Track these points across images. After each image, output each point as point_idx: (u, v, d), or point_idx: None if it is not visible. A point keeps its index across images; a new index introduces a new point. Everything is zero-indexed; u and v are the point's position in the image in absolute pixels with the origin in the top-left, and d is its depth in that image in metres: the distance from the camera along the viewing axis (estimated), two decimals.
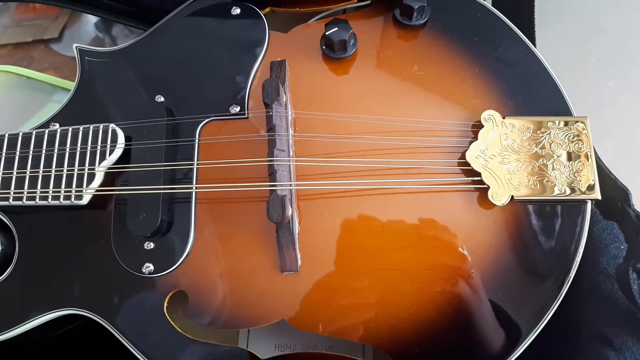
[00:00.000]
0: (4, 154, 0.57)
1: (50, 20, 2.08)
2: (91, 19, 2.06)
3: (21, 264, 0.56)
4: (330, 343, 0.60)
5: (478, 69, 0.56)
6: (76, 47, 0.62)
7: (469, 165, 0.52)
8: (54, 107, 1.03)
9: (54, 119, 0.60)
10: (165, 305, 0.53)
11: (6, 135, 0.58)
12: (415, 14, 0.56)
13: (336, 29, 0.55)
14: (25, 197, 0.55)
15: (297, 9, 0.61)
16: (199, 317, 0.52)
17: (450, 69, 0.56)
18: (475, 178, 0.52)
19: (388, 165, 0.53)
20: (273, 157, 0.51)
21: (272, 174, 0.51)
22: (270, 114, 0.52)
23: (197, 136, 0.56)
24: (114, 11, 0.75)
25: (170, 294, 0.53)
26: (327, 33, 0.55)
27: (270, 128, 0.52)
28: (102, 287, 0.54)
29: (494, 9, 0.58)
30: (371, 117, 0.55)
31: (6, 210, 0.58)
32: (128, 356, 0.54)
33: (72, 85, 1.07)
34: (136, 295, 0.54)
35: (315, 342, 0.60)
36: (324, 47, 0.57)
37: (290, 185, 0.52)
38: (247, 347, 0.60)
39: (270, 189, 0.52)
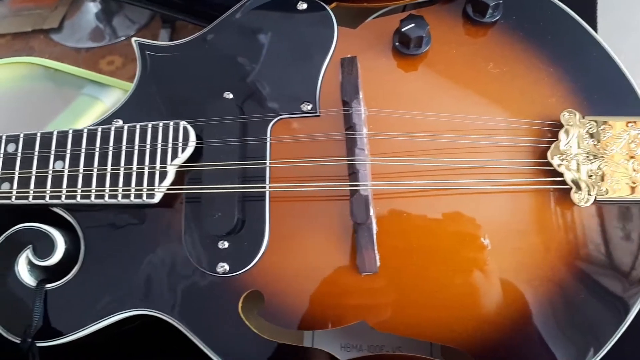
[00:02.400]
0: (68, 151, 0.55)
1: (50, 10, 2.05)
2: (92, 9, 2.03)
3: (88, 263, 0.55)
4: (397, 343, 0.59)
5: (553, 67, 0.56)
6: (135, 40, 0.61)
7: (550, 165, 0.52)
8: (85, 100, 1.01)
9: (116, 114, 0.59)
10: (240, 305, 0.52)
11: (70, 131, 0.56)
12: (490, 10, 0.56)
13: (413, 25, 0.54)
14: (93, 195, 0.54)
15: (365, 4, 0.60)
16: (275, 318, 0.52)
17: (525, 67, 0.56)
18: (557, 178, 0.52)
19: (466, 165, 0.53)
20: (354, 156, 0.51)
21: (353, 174, 0.50)
22: (350, 112, 0.51)
23: (268, 134, 0.55)
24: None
25: (245, 293, 0.52)
26: (403, 29, 0.54)
27: (350, 127, 0.51)
28: (174, 287, 0.53)
29: (566, 7, 0.58)
30: (447, 115, 0.54)
31: (70, 208, 0.57)
32: (197, 356, 0.53)
33: (102, 77, 1.06)
34: (210, 296, 0.53)
35: (382, 342, 0.60)
36: (397, 44, 0.56)
37: (370, 185, 0.51)
38: (312, 346, 0.60)
39: (350, 189, 0.51)
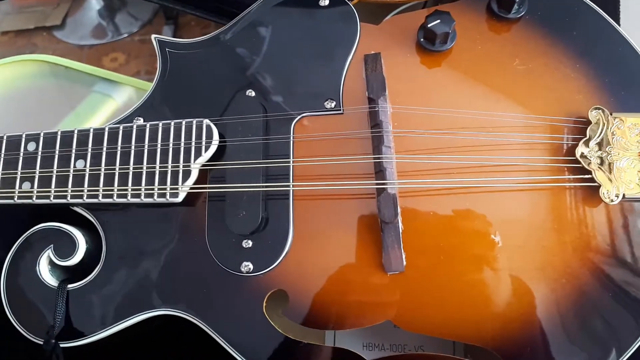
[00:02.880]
0: (90, 150, 0.55)
1: (52, 7, 2.04)
2: (94, 6, 2.02)
3: (109, 263, 0.55)
4: (419, 342, 0.59)
5: (579, 63, 0.55)
6: (155, 37, 0.60)
7: (578, 162, 0.51)
8: (97, 98, 1.01)
9: (137, 113, 0.58)
10: (264, 304, 0.52)
11: (91, 130, 0.56)
12: (516, 6, 0.55)
13: (439, 21, 0.53)
14: (115, 194, 0.53)
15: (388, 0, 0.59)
16: (300, 317, 0.51)
17: (550, 64, 0.55)
18: (585, 176, 0.51)
19: (492, 162, 0.52)
20: (381, 154, 0.50)
21: (380, 172, 0.50)
22: (376, 109, 0.51)
23: (291, 132, 0.55)
24: None
25: (269, 293, 0.52)
26: (429, 25, 0.53)
27: (377, 124, 0.51)
28: (197, 287, 0.53)
29: (591, 2, 0.57)
30: (472, 112, 0.53)
31: (91, 207, 0.56)
32: (221, 356, 0.53)
33: (113, 75, 1.05)
34: (234, 295, 0.52)
35: (404, 340, 0.60)
36: (422, 40, 0.55)
37: (397, 183, 0.50)
38: (334, 345, 0.59)
39: (376, 187, 0.51)
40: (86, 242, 0.56)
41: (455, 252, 0.51)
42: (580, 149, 0.51)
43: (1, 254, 0.60)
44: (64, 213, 0.58)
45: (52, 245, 0.55)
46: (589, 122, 0.52)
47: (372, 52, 0.56)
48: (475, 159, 0.52)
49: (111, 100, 0.98)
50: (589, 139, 0.51)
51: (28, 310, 0.54)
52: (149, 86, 1.03)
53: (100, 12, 1.86)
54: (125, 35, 1.77)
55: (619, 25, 0.62)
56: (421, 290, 0.51)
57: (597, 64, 0.55)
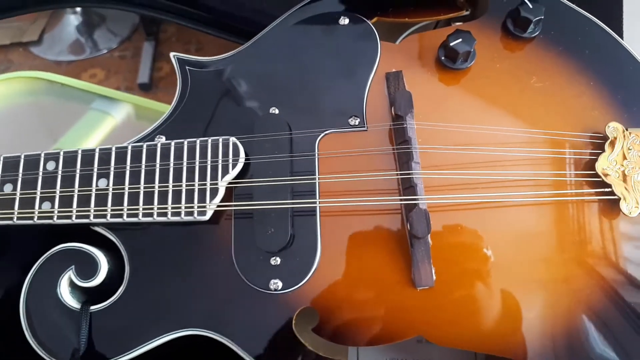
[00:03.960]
0: (112, 168, 0.54)
1: (29, 23, 2.01)
2: (72, 22, 2.00)
3: (134, 283, 0.54)
4: (444, 356, 0.60)
5: (593, 81, 0.57)
6: (174, 55, 0.60)
7: (598, 177, 0.53)
8: (95, 116, 0.99)
9: (158, 131, 0.58)
10: (294, 322, 0.52)
11: (113, 148, 0.55)
12: (532, 26, 0.57)
13: (460, 40, 0.54)
14: (141, 213, 0.53)
15: (406, 19, 0.60)
16: (330, 334, 0.51)
17: (566, 81, 0.57)
18: (605, 189, 0.53)
19: (516, 177, 0.53)
20: (410, 169, 0.51)
21: (410, 187, 0.51)
22: (404, 126, 0.52)
23: (316, 149, 0.55)
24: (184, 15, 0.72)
25: (298, 310, 0.52)
26: (451, 44, 0.55)
27: (405, 140, 0.52)
28: (225, 306, 0.53)
29: (601, 23, 0.59)
30: (493, 128, 0.55)
31: (113, 227, 0.55)
32: None
33: (110, 92, 1.04)
34: (263, 313, 0.52)
35: (429, 355, 0.60)
36: (443, 58, 0.56)
37: (426, 198, 0.51)
38: None
39: (405, 203, 0.52)
40: (108, 263, 0.55)
41: (483, 265, 0.52)
42: (601, 163, 0.53)
43: (16, 275, 0.59)
44: (79, 233, 0.57)
45: (73, 267, 0.54)
46: (605, 138, 0.54)
47: (393, 69, 0.57)
48: (499, 173, 0.53)
49: (110, 118, 0.97)
50: (608, 154, 0.53)
51: (49, 333, 0.53)
52: (149, 103, 1.03)
53: (79, 28, 1.84)
54: (105, 51, 1.75)
55: (623, 38, 0.65)
56: (451, 304, 0.51)
57: (609, 81, 0.57)
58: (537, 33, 0.59)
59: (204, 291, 0.53)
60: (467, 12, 0.63)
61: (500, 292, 0.51)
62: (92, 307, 0.53)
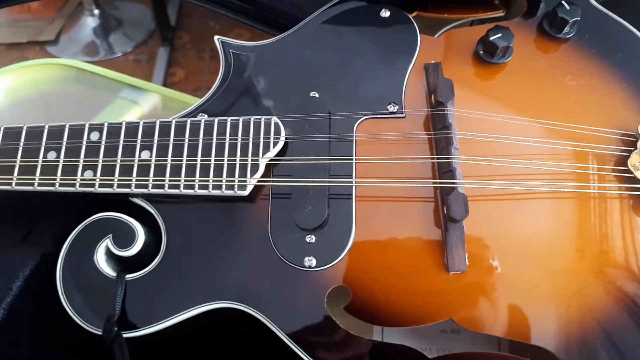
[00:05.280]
0: (156, 141, 0.56)
1: (47, 22, 2.04)
2: (90, 24, 2.03)
3: (170, 254, 0.55)
4: (465, 347, 0.60)
5: (625, 82, 0.59)
6: (217, 38, 0.62)
7: (631, 173, 0.54)
8: (122, 104, 1.01)
9: (200, 109, 0.59)
10: (325, 299, 0.52)
11: (157, 122, 0.56)
12: (567, 27, 0.59)
13: (500, 35, 0.56)
14: (182, 185, 0.54)
15: (445, 15, 0.62)
16: (361, 313, 0.52)
17: (599, 82, 0.59)
18: (638, 185, 0.54)
19: (552, 169, 0.55)
20: (449, 154, 0.52)
21: (449, 172, 0.52)
22: (445, 112, 0.53)
23: (354, 132, 0.57)
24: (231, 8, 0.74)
25: (331, 288, 0.53)
26: (491, 38, 0.56)
27: (445, 126, 0.53)
28: (259, 280, 0.53)
29: (633, 28, 0.61)
30: (530, 120, 0.56)
31: (152, 199, 0.56)
32: (281, 350, 0.53)
33: (138, 82, 1.06)
34: (296, 289, 0.53)
35: (451, 345, 0.60)
36: (481, 52, 0.58)
37: (464, 183, 0.52)
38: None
39: (441, 187, 0.53)
40: (145, 234, 0.56)
41: (515, 253, 0.53)
42: (633, 159, 0.54)
43: (54, 241, 0.60)
44: (116, 206, 0.58)
45: (110, 235, 0.55)
46: (637, 136, 0.56)
47: (432, 61, 0.59)
48: (536, 164, 0.54)
49: (137, 106, 0.98)
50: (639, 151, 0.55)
51: (84, 299, 0.54)
52: (176, 94, 1.04)
53: (95, 31, 1.87)
54: (119, 54, 1.78)
55: None
56: (482, 290, 0.52)
57: None
58: (572, 34, 0.60)
59: (238, 265, 0.54)
60: (503, 13, 0.65)
61: (531, 280, 0.52)
62: (129, 276, 0.54)
